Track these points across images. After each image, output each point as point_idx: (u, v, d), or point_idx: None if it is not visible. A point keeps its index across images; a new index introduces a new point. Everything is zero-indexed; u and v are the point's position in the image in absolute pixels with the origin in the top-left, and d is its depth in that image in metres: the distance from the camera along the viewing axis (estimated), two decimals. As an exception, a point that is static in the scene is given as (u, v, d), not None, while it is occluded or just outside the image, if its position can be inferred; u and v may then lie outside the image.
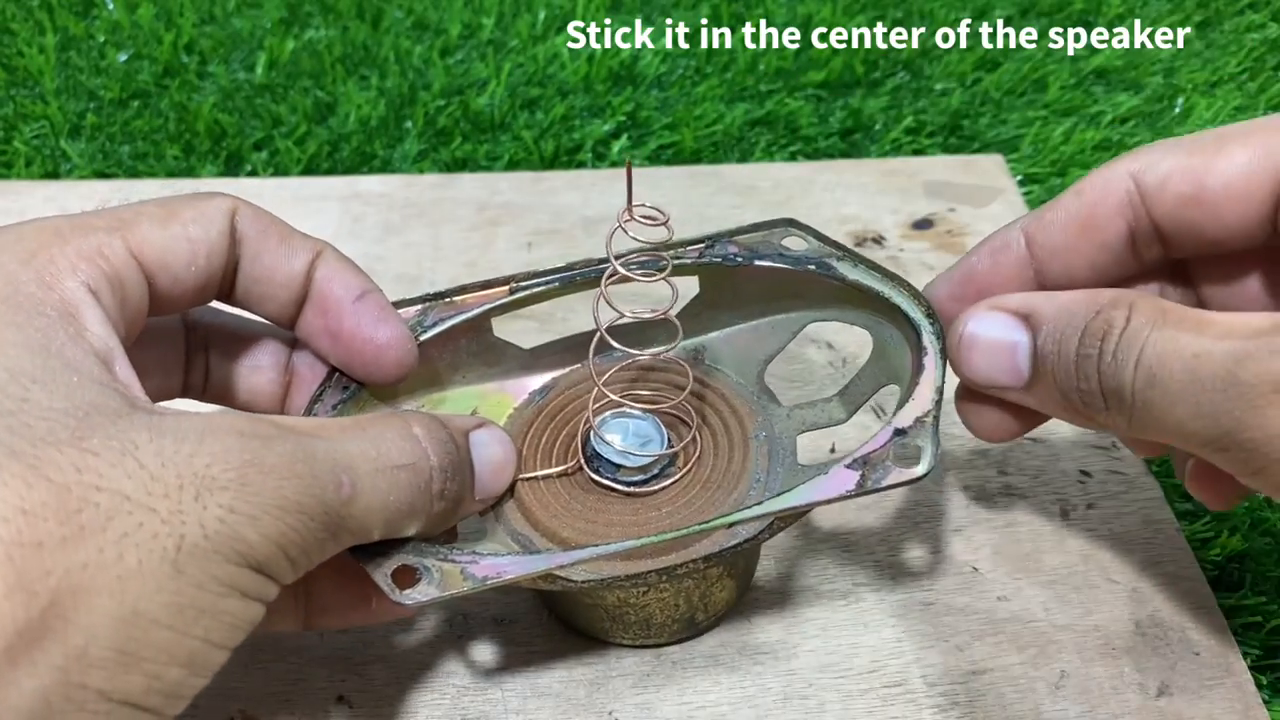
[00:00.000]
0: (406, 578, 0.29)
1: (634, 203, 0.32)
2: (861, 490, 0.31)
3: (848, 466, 0.31)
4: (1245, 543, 0.42)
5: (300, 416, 0.29)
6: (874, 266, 0.36)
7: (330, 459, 0.27)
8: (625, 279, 0.34)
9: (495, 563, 0.30)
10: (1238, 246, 0.32)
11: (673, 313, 0.35)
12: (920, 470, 0.31)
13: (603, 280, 0.35)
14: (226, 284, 0.32)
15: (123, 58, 0.66)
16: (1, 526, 0.22)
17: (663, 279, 0.34)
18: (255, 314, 0.33)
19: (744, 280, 0.38)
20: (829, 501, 0.31)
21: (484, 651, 0.37)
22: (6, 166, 0.59)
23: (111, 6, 0.69)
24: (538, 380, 0.39)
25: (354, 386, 0.34)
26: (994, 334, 0.31)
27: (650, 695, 0.36)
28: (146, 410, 0.25)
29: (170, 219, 0.30)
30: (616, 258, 0.34)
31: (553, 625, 0.38)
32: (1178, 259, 0.34)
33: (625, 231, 0.33)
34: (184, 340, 0.34)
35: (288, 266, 0.32)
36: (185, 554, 0.23)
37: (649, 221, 0.33)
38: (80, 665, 0.22)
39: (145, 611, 0.23)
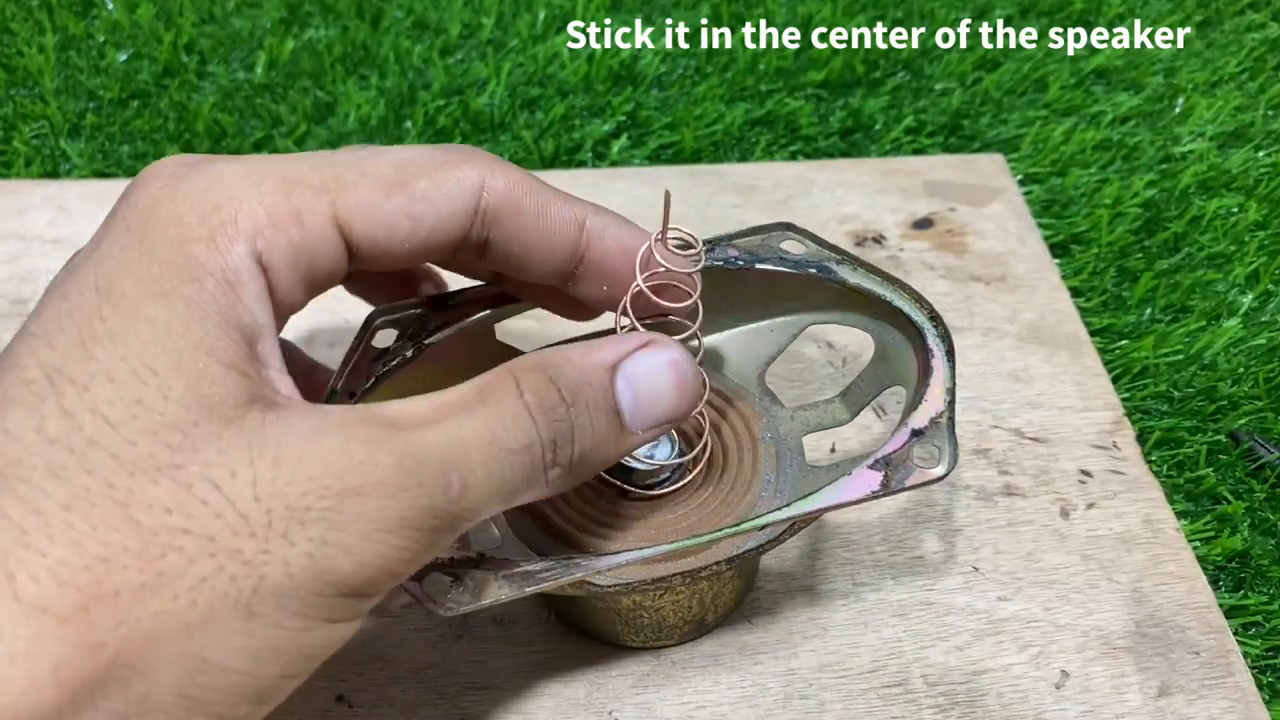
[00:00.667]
0: (441, 588, 0.29)
1: (669, 226, 0.32)
2: (886, 491, 0.31)
3: (870, 468, 0.32)
4: (1245, 543, 0.42)
5: (416, 400, 0.27)
6: (874, 270, 0.36)
7: (441, 457, 0.25)
8: (652, 305, 0.34)
9: (530, 569, 0.30)
10: None
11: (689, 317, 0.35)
12: (941, 470, 0.32)
13: (625, 299, 0.34)
14: (468, 254, 0.31)
15: (123, 57, 0.65)
16: (82, 575, 0.22)
17: (689, 303, 0.33)
18: (514, 278, 0.33)
19: (744, 283, 0.38)
20: (855, 503, 0.31)
21: (484, 651, 0.37)
22: (6, 166, 0.59)
23: (111, 6, 0.69)
24: None
25: (376, 376, 0.34)
26: None
27: (650, 695, 0.36)
28: (264, 405, 0.24)
29: (398, 188, 0.28)
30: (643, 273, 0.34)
31: (553, 625, 0.38)
32: None
33: (656, 255, 0.32)
34: None
35: (547, 246, 0.31)
36: (262, 597, 0.23)
37: (683, 252, 0.32)
38: (141, 709, 0.22)
39: (213, 659, 0.22)
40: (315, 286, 0.28)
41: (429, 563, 0.29)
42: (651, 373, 0.29)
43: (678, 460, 0.35)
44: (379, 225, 0.28)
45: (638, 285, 0.33)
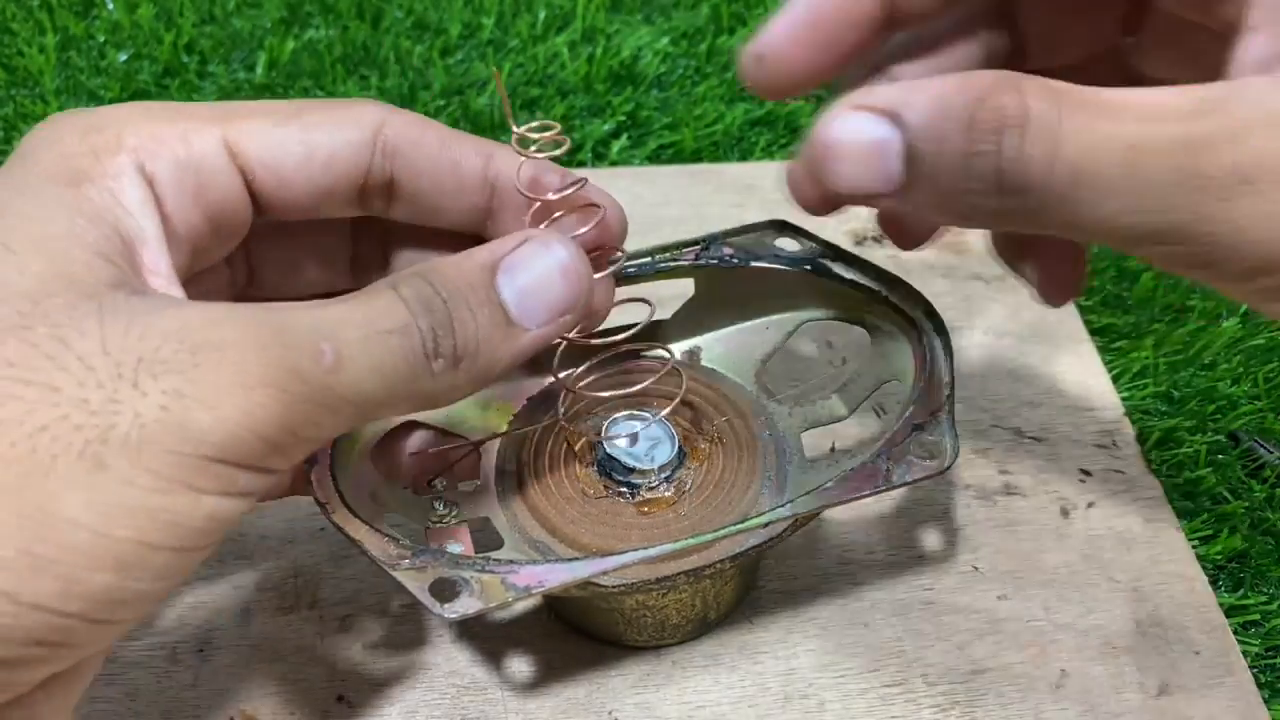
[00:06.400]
0: (446, 592, 0.29)
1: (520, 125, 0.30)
2: (888, 486, 0.31)
3: (871, 463, 0.32)
4: (1245, 542, 0.42)
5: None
6: (867, 266, 0.37)
7: (306, 328, 0.24)
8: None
9: (535, 571, 0.29)
10: (1085, 40, 0.30)
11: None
12: (942, 464, 0.31)
13: (527, 218, 0.32)
14: (378, 198, 0.30)
15: (123, 58, 0.65)
16: None
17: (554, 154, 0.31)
18: (431, 225, 0.32)
19: (740, 281, 0.38)
20: (858, 498, 0.31)
21: (484, 651, 0.37)
22: (6, 166, 0.59)
23: (111, 6, 0.69)
24: (537, 385, 0.39)
25: None
26: (859, 134, 0.26)
27: (650, 695, 0.36)
28: (129, 290, 0.24)
29: (291, 118, 0.29)
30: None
31: (553, 625, 0.38)
32: None
33: (524, 162, 0.31)
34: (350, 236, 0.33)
35: (455, 178, 0.31)
36: (111, 447, 0.22)
37: (543, 134, 0.31)
38: None
39: (56, 511, 0.21)
40: (215, 213, 0.28)
41: (427, 570, 0.29)
42: (535, 265, 0.29)
43: (678, 460, 0.35)
44: (271, 148, 0.28)
45: (536, 203, 0.31)
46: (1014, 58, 0.32)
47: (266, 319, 0.24)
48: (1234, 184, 0.23)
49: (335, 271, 0.33)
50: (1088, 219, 0.24)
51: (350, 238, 0.33)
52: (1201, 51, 0.28)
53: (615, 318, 0.34)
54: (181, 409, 0.22)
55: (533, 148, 0.31)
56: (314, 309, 0.25)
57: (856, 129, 0.26)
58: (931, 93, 0.25)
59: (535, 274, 0.28)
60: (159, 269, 0.26)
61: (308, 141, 0.28)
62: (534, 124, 0.30)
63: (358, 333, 0.25)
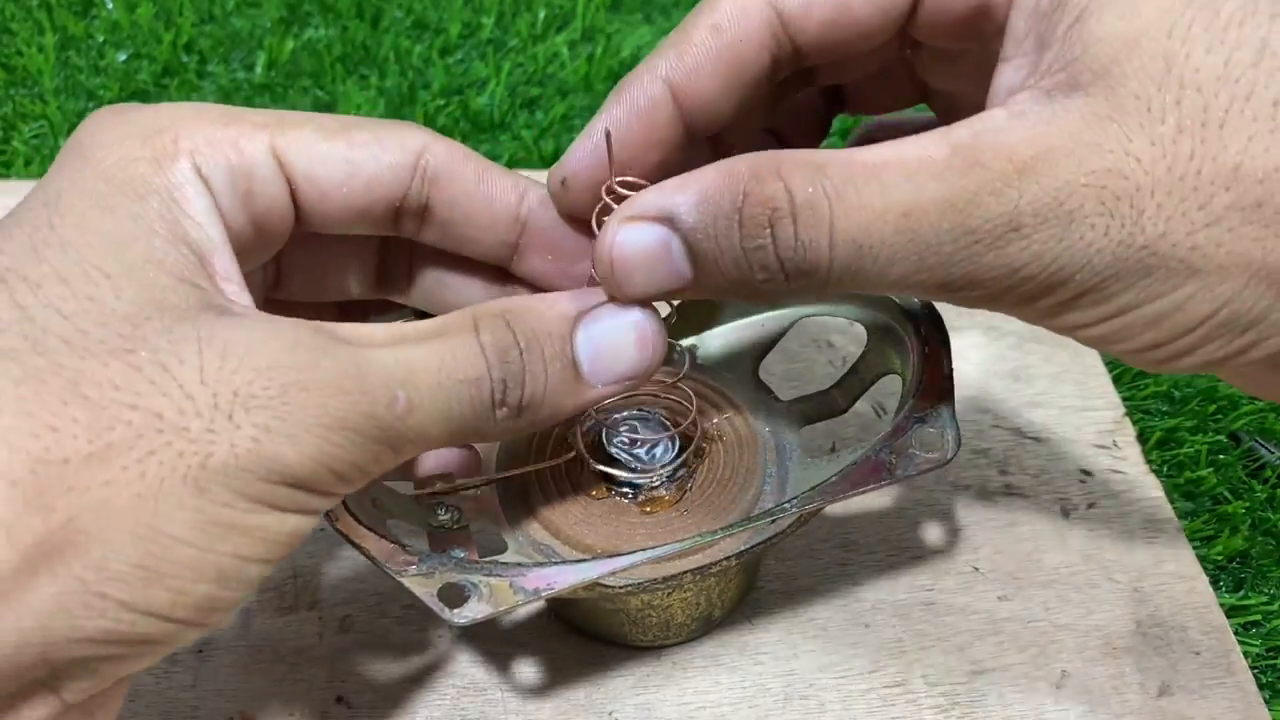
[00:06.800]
0: (455, 597, 0.29)
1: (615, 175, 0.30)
2: (892, 479, 0.31)
3: (874, 456, 0.32)
4: (1246, 542, 0.42)
5: (374, 325, 0.27)
6: None
7: (385, 373, 0.26)
8: None
9: (544, 574, 0.29)
10: (870, 64, 0.31)
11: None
12: (946, 455, 0.31)
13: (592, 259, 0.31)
14: (411, 221, 0.31)
15: (122, 57, 0.65)
16: (31, 442, 0.22)
17: None
18: (457, 252, 0.32)
19: None
20: (863, 491, 0.31)
21: (484, 652, 0.37)
22: (5, 166, 0.59)
23: (111, 6, 0.69)
24: None
25: None
26: (639, 244, 0.27)
27: (650, 695, 0.36)
28: (217, 311, 0.25)
29: (338, 133, 0.29)
30: None
31: (553, 625, 0.38)
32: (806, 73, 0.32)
33: (610, 204, 0.31)
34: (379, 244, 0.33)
35: (488, 212, 0.31)
36: (210, 473, 0.24)
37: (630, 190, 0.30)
38: (100, 577, 0.23)
39: (165, 529, 0.23)
40: (260, 220, 0.28)
41: (435, 575, 0.29)
42: (614, 328, 0.29)
43: (679, 460, 0.35)
44: (316, 163, 0.28)
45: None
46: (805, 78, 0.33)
47: (349, 360, 0.25)
48: (1003, 233, 0.24)
49: (361, 281, 0.34)
50: (881, 283, 0.25)
51: (378, 251, 0.34)
52: (976, 68, 0.29)
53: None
54: (270, 442, 0.24)
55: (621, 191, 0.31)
56: (394, 349, 0.26)
57: (635, 240, 0.27)
58: (696, 192, 0.26)
59: (613, 335, 0.29)
60: (231, 275, 0.27)
61: (352, 159, 0.29)
62: (628, 178, 0.30)
63: (432, 379, 0.26)
